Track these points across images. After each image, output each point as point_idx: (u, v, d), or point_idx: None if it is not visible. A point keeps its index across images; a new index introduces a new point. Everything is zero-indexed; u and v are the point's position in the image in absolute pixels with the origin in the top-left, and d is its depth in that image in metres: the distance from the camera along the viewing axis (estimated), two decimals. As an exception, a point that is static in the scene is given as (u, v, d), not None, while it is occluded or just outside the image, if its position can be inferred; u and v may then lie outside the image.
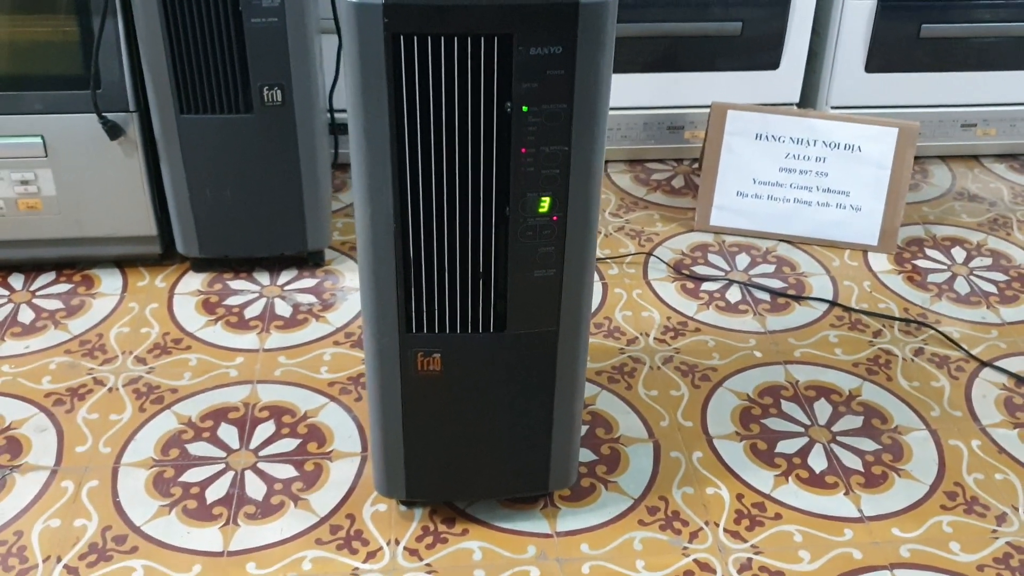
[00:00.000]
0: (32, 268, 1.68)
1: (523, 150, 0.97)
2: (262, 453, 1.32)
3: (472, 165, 0.98)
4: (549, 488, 1.23)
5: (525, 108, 0.95)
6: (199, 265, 1.67)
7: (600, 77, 0.94)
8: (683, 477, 1.31)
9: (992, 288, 1.69)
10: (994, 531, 1.24)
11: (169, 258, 1.69)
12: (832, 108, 1.95)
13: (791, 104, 1.96)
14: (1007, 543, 1.22)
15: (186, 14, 1.42)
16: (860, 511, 1.27)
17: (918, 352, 1.54)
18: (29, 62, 1.48)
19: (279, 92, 1.50)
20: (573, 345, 1.11)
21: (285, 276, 1.68)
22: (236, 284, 1.65)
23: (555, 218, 1.01)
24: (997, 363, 1.52)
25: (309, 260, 1.69)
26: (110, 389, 1.42)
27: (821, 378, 1.48)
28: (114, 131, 1.50)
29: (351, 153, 0.98)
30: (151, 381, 1.44)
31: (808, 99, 1.99)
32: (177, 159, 1.53)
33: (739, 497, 1.28)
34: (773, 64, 1.91)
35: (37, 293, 1.62)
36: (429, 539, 1.21)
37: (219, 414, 1.39)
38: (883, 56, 1.90)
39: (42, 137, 1.51)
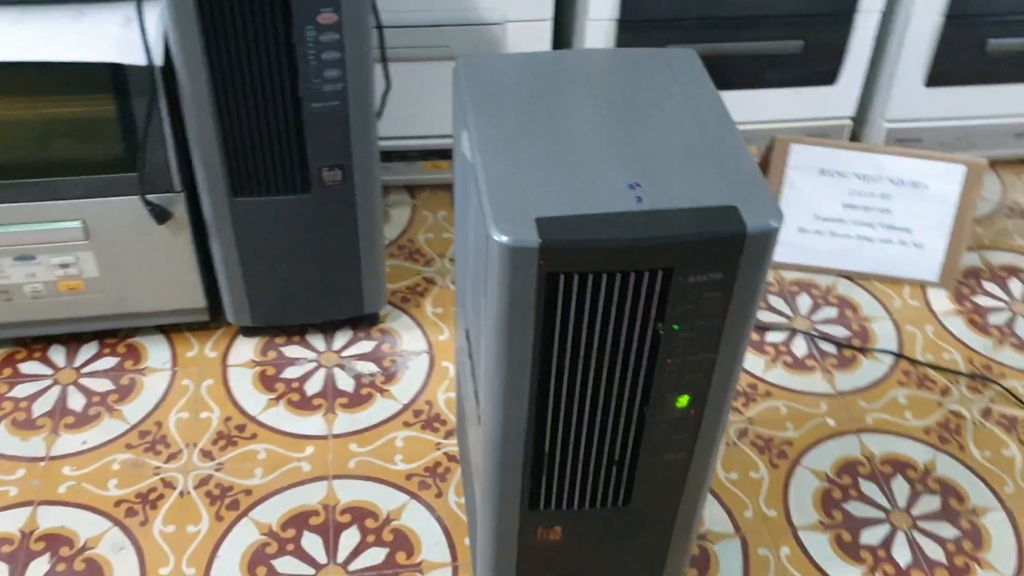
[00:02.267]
0: (71, 339, 1.60)
1: (669, 361, 0.92)
2: (351, 567, 1.30)
3: (616, 378, 0.93)
4: (653, 616, 1.23)
5: (676, 327, 0.89)
6: (249, 330, 1.60)
7: (756, 294, 0.89)
8: (774, 579, 1.32)
9: (1052, 330, 1.69)
10: (1078, 631, 1.28)
11: (216, 321, 1.62)
12: (887, 122, 1.88)
13: (846, 118, 1.89)
14: (1092, 645, 1.26)
15: (239, 98, 1.31)
16: (949, 612, 1.30)
17: (986, 413, 1.54)
18: (66, 146, 1.36)
19: (339, 172, 1.40)
20: (691, 509, 1.09)
21: (340, 339, 1.62)
22: (290, 351, 1.59)
23: (692, 412, 0.98)
24: (1065, 424, 1.53)
25: (364, 321, 1.63)
26: (181, 493, 1.38)
27: (895, 449, 1.49)
28: (161, 216, 1.40)
29: (481, 365, 0.93)
30: (222, 481, 1.40)
31: (864, 113, 1.91)
32: (230, 240, 1.45)
33: (831, 601, 1.30)
34: (830, 79, 1.83)
35: (83, 371, 1.55)
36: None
37: (300, 520, 1.36)
38: (945, 70, 1.82)
39: (83, 222, 1.41)
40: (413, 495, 1.39)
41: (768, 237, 0.85)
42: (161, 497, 1.38)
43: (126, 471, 1.41)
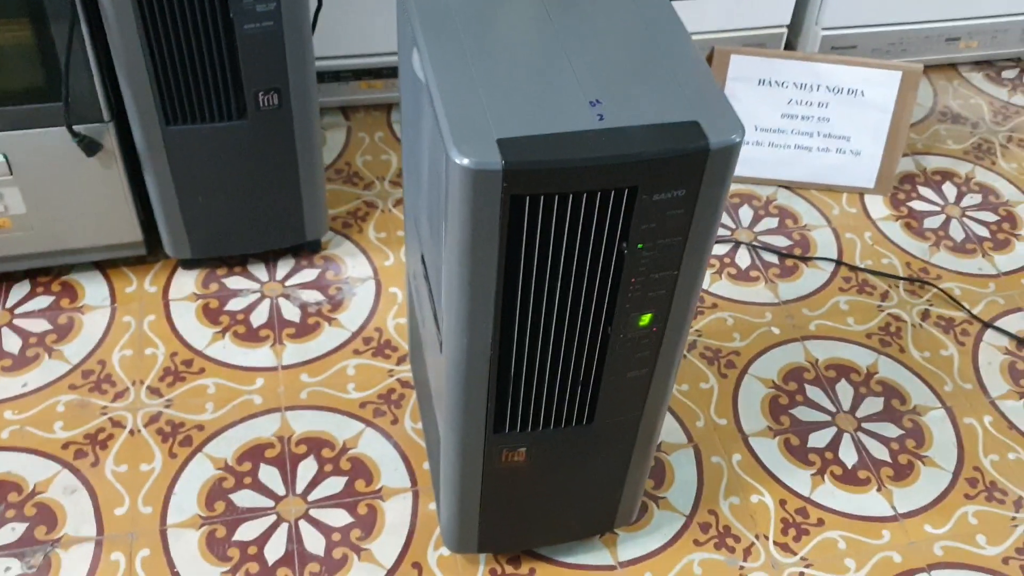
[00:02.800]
0: (1, 278, 1.54)
1: (633, 280, 0.92)
2: (311, 498, 1.30)
3: (581, 299, 0.92)
4: (615, 527, 1.25)
5: (640, 246, 0.89)
6: (188, 262, 1.56)
7: (718, 209, 0.89)
8: (727, 486, 1.35)
9: (984, 232, 1.73)
10: (1013, 518, 1.34)
11: (154, 255, 1.57)
12: (823, 29, 1.88)
13: (782, 27, 1.88)
14: (1026, 531, 1.33)
15: (167, 23, 1.25)
16: (894, 508, 1.34)
17: (925, 315, 1.59)
18: (-18, 76, 1.29)
19: (275, 96, 1.35)
20: (652, 424, 1.10)
21: (283, 268, 1.58)
22: (232, 282, 1.56)
23: (655, 329, 0.98)
24: (997, 323, 1.58)
25: (306, 248, 1.59)
26: (131, 432, 1.36)
27: (839, 354, 1.52)
28: (90, 148, 1.34)
29: (442, 291, 0.91)
30: (173, 418, 1.37)
31: (799, 21, 1.91)
32: (164, 171, 1.39)
33: (782, 503, 1.34)
34: (765, -13, 1.82)
35: (16, 312, 1.49)
36: (502, 588, 1.24)
37: (255, 453, 1.34)
38: (877, -24, 1.82)
39: (4, 156, 1.34)
40: (368, 423, 1.39)
41: (731, 152, 0.84)
42: (111, 437, 1.35)
43: (72, 412, 1.37)
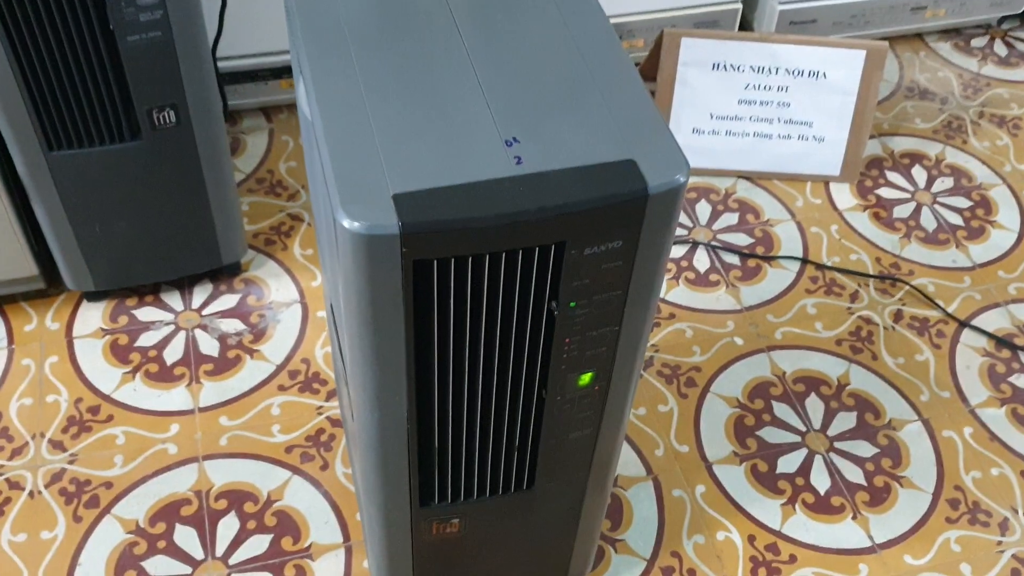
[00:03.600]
0: None
1: (567, 341, 0.79)
2: (232, 560, 1.17)
3: (509, 364, 0.79)
4: (567, 582, 1.14)
5: (573, 304, 0.76)
6: (93, 294, 1.41)
7: (662, 256, 0.76)
8: (691, 523, 1.24)
9: (958, 219, 1.62)
10: (999, 543, 1.24)
11: (56, 286, 1.42)
12: (780, 3, 1.74)
13: (736, 3, 1.74)
14: (1013, 556, 1.23)
15: (39, 39, 1.09)
16: (871, 538, 1.24)
17: (897, 317, 1.47)
18: None
19: (172, 112, 1.20)
20: (603, 479, 0.98)
21: (199, 295, 1.44)
22: (143, 313, 1.41)
23: (596, 388, 0.85)
24: (974, 321, 1.48)
25: (224, 272, 1.45)
26: (31, 494, 1.22)
27: (807, 365, 1.41)
28: (-35, 179, 1.19)
29: (345, 357, 0.78)
30: (78, 475, 1.24)
31: (753, -2, 1.78)
32: (53, 199, 1.24)
33: (751, 539, 1.23)
34: (717, -38, 1.68)
35: (-99, 359, 1.35)
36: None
37: (170, 512, 1.21)
38: (836, -54, 1.69)
39: None
40: (295, 470, 1.26)
41: (674, 194, 0.72)
42: (7, 501, 1.21)
43: (-38, 474, 1.24)
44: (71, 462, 1.25)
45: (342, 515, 1.22)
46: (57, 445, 1.27)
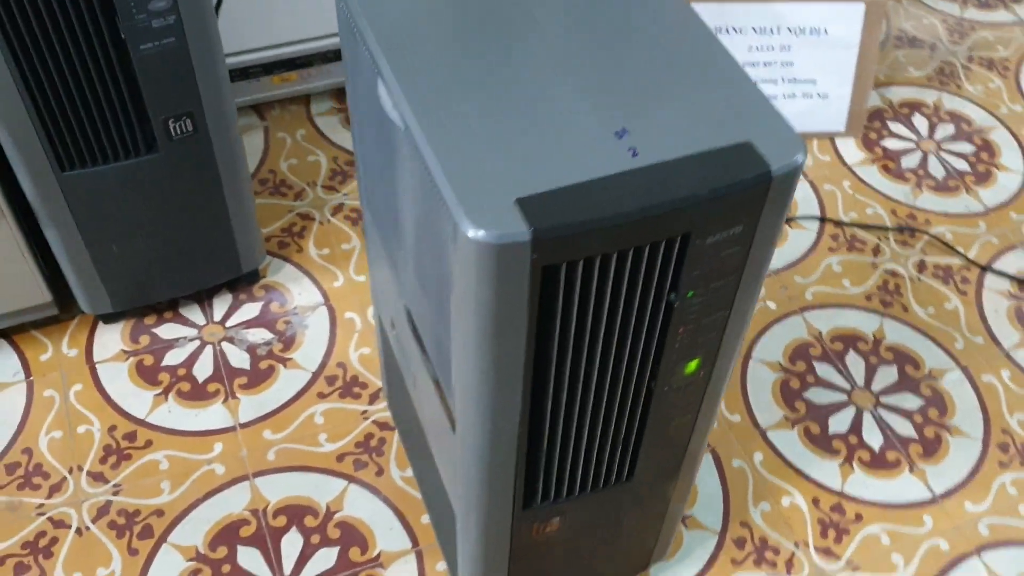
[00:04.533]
0: None
1: (681, 330, 0.77)
2: (300, 578, 1.14)
3: (623, 359, 0.77)
4: (650, 564, 1.13)
5: (691, 294, 0.74)
6: (109, 316, 1.35)
7: (776, 238, 0.74)
8: (754, 491, 1.24)
9: (964, 165, 1.63)
10: (1052, 481, 1.26)
11: (67, 311, 1.35)
12: (768, -39, 1.73)
13: (725, -37, 1.72)
14: (1067, 493, 1.25)
15: (45, 52, 1.03)
16: (930, 489, 1.25)
17: (921, 267, 1.48)
18: None
19: (189, 121, 1.15)
20: (692, 465, 0.97)
21: (220, 306, 1.39)
22: (165, 331, 1.36)
23: (701, 374, 0.84)
24: (995, 265, 1.49)
25: (242, 280, 1.40)
26: (79, 531, 1.17)
27: (841, 323, 1.41)
28: (-25, 209, 1.12)
29: (452, 373, 0.75)
30: (125, 506, 1.19)
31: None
32: (67, 222, 1.18)
33: (816, 502, 1.23)
34: (706, -78, 1.65)
35: (-85, 403, 1.28)
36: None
37: (229, 534, 1.17)
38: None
39: None
40: (351, 478, 1.23)
41: (793, 175, 0.69)
42: (54, 541, 1.16)
43: (3, 520, 1.18)
44: (115, 493, 1.20)
45: (406, 520, 1.19)
46: (98, 477, 1.21)
